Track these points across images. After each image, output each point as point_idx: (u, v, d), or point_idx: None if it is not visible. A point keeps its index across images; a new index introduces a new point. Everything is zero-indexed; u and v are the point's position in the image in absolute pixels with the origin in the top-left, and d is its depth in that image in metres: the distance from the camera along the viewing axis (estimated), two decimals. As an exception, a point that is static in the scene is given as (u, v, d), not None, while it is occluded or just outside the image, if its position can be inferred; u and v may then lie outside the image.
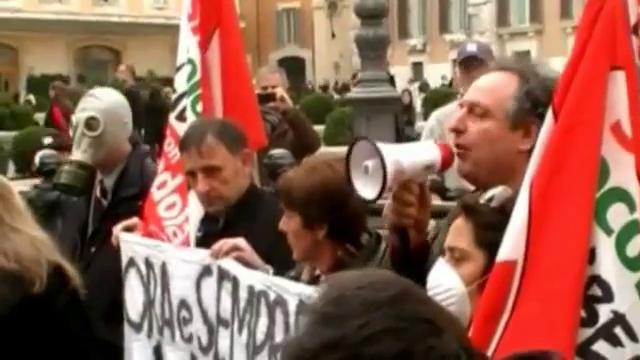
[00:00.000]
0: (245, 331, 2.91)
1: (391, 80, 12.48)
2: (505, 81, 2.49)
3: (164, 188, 3.68)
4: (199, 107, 3.69)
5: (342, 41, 45.64)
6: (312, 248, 2.88)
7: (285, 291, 2.73)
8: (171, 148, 3.71)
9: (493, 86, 2.50)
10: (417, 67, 46.45)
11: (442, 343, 1.32)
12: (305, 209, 2.85)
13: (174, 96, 3.87)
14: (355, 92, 12.27)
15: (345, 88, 30.70)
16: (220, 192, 3.34)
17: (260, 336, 2.83)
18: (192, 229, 3.55)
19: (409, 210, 2.44)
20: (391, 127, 10.92)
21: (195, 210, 3.54)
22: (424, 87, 32.31)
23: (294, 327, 2.66)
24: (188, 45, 3.77)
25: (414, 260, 2.47)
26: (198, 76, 3.71)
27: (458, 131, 2.48)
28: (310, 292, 2.62)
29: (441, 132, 4.99)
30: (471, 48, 5.31)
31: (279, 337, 2.73)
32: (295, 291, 2.70)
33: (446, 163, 2.45)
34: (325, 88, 37.09)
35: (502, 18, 42.96)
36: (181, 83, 3.80)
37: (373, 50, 11.04)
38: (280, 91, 5.46)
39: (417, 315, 1.34)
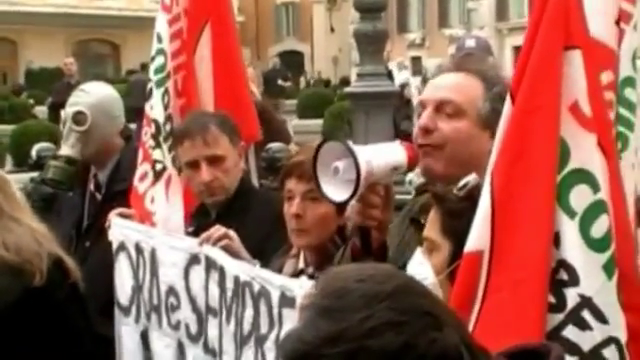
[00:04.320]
0: (233, 321, 2.91)
1: (389, 75, 12.48)
2: (470, 81, 2.47)
3: (146, 180, 3.69)
4: (166, 99, 3.68)
5: (341, 35, 45.57)
6: (331, 236, 2.87)
7: (268, 283, 2.73)
8: (148, 138, 3.71)
9: (462, 86, 2.47)
10: (416, 61, 46.41)
11: (443, 336, 1.33)
12: None
13: (149, 85, 3.82)
14: (354, 86, 12.25)
15: (344, 82, 30.61)
16: (222, 182, 3.37)
17: (247, 326, 2.83)
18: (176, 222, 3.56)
19: (374, 212, 2.41)
20: (390, 121, 10.91)
21: (177, 204, 3.55)
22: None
23: (277, 319, 2.67)
24: (162, 36, 3.75)
25: (377, 261, 2.41)
26: (168, 68, 3.70)
27: (428, 130, 2.44)
28: (292, 285, 2.62)
29: None
30: (470, 44, 5.29)
31: (264, 328, 2.73)
32: (278, 283, 2.69)
33: (412, 163, 2.43)
34: (327, 83, 36.92)
35: (501, 13, 42.87)
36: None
37: (372, 44, 11.02)
38: None
39: (419, 308, 1.35)
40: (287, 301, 2.62)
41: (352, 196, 2.30)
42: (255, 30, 51.58)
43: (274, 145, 5.19)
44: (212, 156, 3.35)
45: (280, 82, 25.54)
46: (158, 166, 3.68)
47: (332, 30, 48.77)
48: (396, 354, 1.30)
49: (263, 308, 2.73)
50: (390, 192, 2.47)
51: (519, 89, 2.09)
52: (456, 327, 1.38)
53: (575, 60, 2.07)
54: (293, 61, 43.24)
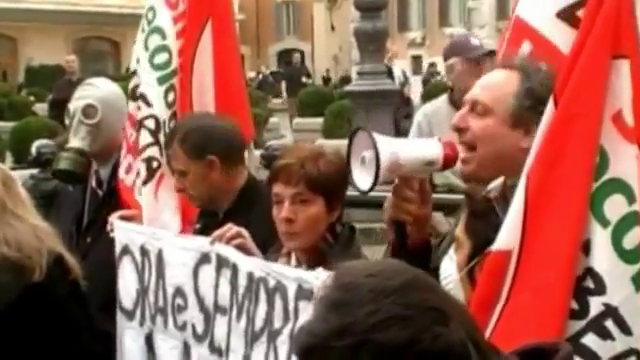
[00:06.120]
0: (244, 318, 2.91)
1: (389, 73, 12.50)
2: (507, 79, 2.47)
3: (131, 173, 3.72)
4: (171, 97, 3.68)
5: (341, 34, 45.63)
6: (322, 234, 2.88)
7: (284, 277, 2.73)
8: (127, 127, 3.76)
9: (494, 84, 2.49)
10: (416, 60, 46.43)
11: (449, 332, 1.35)
12: (331, 191, 2.85)
13: (136, 82, 3.80)
14: (354, 85, 12.28)
15: (345, 80, 30.58)
16: (190, 193, 3.43)
17: (259, 322, 2.82)
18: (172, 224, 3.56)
19: (408, 206, 2.44)
20: (390, 120, 10.93)
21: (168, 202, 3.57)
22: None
23: (292, 312, 2.67)
24: (166, 33, 3.75)
25: (414, 257, 2.39)
26: (174, 65, 3.70)
27: (460, 129, 2.46)
28: (309, 277, 2.62)
29: (428, 128, 4.97)
30: (475, 42, 5.21)
31: (278, 323, 2.73)
32: (293, 276, 2.69)
33: (449, 161, 2.42)
34: (327, 81, 36.84)
35: (502, 11, 42.91)
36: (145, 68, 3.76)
37: (372, 43, 11.07)
38: None
39: (425, 303, 1.36)
40: (304, 293, 2.62)
41: (372, 186, 2.32)
42: (255, 28, 51.60)
43: (274, 142, 5.20)
44: (175, 169, 3.43)
45: (304, 79, 25.37)
46: (154, 164, 3.67)
47: (332, 29, 48.83)
48: (401, 348, 1.32)
49: (278, 302, 2.73)
50: (425, 187, 2.48)
51: (563, 94, 2.09)
52: (464, 323, 1.38)
53: (622, 69, 2.07)
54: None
